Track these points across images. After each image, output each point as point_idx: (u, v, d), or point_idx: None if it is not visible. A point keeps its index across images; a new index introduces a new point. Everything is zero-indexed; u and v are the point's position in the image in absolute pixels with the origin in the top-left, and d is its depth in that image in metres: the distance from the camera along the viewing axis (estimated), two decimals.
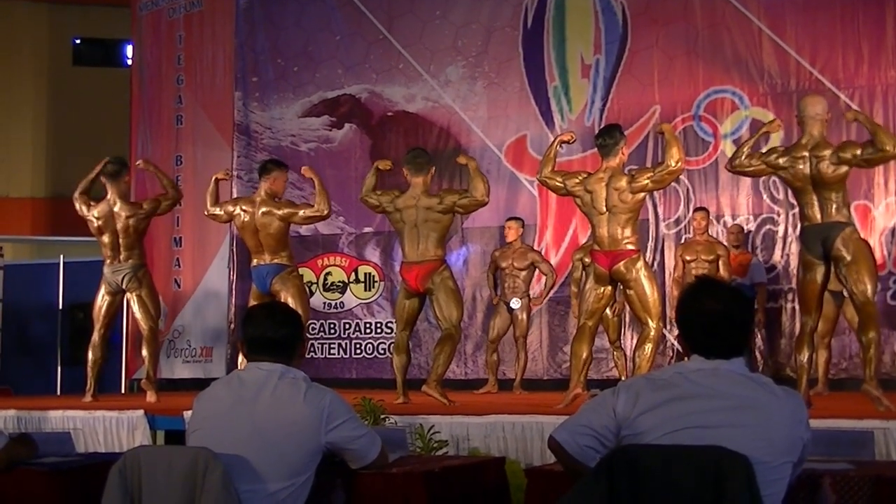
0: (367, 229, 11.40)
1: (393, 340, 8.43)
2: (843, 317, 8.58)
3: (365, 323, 11.37)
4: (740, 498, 2.49)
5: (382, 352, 10.99)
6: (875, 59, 9.72)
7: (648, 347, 6.93)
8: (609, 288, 7.12)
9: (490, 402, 7.96)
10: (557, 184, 7.20)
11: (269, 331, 3.38)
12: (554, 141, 7.47)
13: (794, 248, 9.38)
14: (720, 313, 2.81)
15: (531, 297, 9.80)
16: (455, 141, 11.12)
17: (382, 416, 5.90)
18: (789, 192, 7.25)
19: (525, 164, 10.72)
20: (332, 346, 11.41)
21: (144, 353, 8.78)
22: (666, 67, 10.42)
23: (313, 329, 11.27)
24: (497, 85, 11.07)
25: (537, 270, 9.82)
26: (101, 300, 8.71)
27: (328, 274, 11.56)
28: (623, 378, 8.76)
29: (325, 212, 8.23)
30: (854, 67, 9.77)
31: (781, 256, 9.89)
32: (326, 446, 3.32)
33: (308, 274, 11.30)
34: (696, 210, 9.72)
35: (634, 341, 7.96)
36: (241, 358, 6.37)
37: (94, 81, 15.25)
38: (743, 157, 6.76)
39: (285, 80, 11.90)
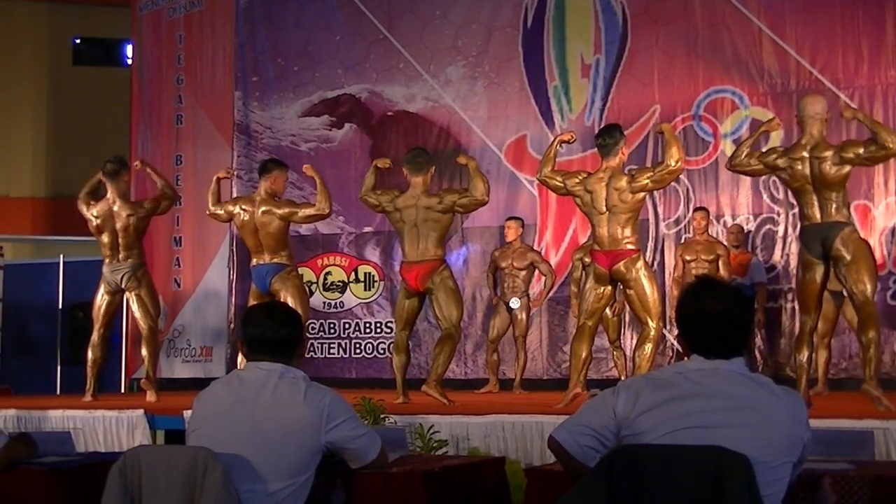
0: (367, 229, 11.40)
1: (393, 340, 8.43)
2: (843, 317, 8.58)
3: (365, 322, 11.37)
4: (740, 498, 2.49)
5: (382, 351, 10.99)
6: (875, 59, 9.72)
7: (648, 347, 6.94)
8: (609, 288, 7.12)
9: (490, 402, 7.96)
10: (557, 183, 7.21)
11: (269, 330, 3.38)
12: (554, 140, 7.47)
13: (794, 248, 9.38)
14: (720, 313, 2.81)
15: (530, 296, 9.81)
16: (455, 141, 11.13)
17: (382, 416, 5.90)
18: (789, 191, 7.25)
19: (525, 164, 10.72)
20: (331, 345, 11.41)
21: (144, 352, 8.78)
22: (666, 67, 10.42)
23: (313, 329, 11.27)
24: (497, 85, 11.07)
25: (537, 270, 9.82)
26: (101, 300, 8.71)
27: (328, 273, 11.56)
28: (623, 378, 8.76)
29: (327, 211, 8.23)
30: (854, 67, 9.77)
31: (781, 256, 9.89)
32: (326, 446, 3.32)
33: (308, 273, 11.30)
34: (696, 210, 9.72)
35: (634, 341, 7.97)
36: (240, 357, 6.37)
37: (94, 81, 15.25)
38: (742, 157, 6.77)
39: (285, 80, 11.91)
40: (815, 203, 6.43)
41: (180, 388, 10.67)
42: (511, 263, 9.71)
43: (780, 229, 9.91)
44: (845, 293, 6.93)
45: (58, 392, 11.68)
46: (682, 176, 9.43)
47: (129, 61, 13.68)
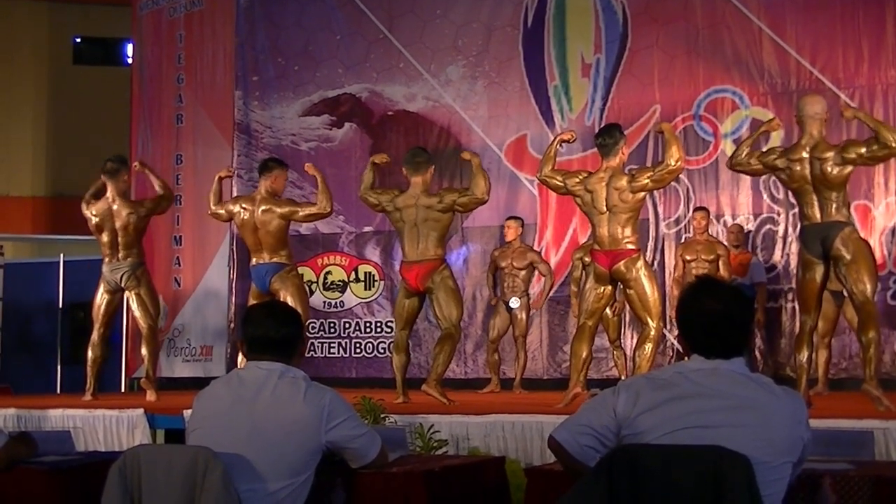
0: (367, 228, 11.40)
1: (393, 340, 8.43)
2: (843, 317, 8.58)
3: (365, 322, 11.37)
4: (740, 498, 2.49)
5: (382, 351, 10.99)
6: (875, 59, 9.72)
7: (648, 347, 6.94)
8: (609, 287, 7.12)
9: (490, 402, 7.96)
10: (557, 183, 7.21)
11: (269, 330, 3.37)
12: (554, 140, 7.47)
13: (795, 248, 9.38)
14: (720, 313, 2.81)
15: (530, 296, 9.81)
16: (455, 140, 11.13)
17: (382, 416, 5.90)
18: (789, 191, 7.25)
19: (525, 164, 10.72)
20: (332, 345, 11.41)
21: (144, 351, 8.79)
22: (666, 67, 10.42)
23: (313, 328, 11.27)
24: (497, 84, 11.07)
25: (536, 270, 9.82)
26: (100, 299, 8.71)
27: (328, 273, 11.56)
28: (623, 377, 8.76)
29: (328, 210, 8.23)
30: (854, 67, 9.77)
31: (781, 256, 9.89)
32: (326, 445, 3.32)
33: (308, 273, 11.30)
34: (696, 210, 9.72)
35: (634, 341, 7.97)
36: (240, 357, 6.37)
37: (95, 80, 15.26)
38: (742, 156, 6.77)
39: (286, 79, 11.91)
40: (815, 203, 6.42)
41: (180, 388, 10.66)
42: (511, 263, 9.71)
43: (781, 229, 9.91)
44: (845, 293, 6.93)
45: (58, 391, 11.68)
46: (682, 176, 9.43)
47: (130, 61, 13.68)
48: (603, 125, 9.23)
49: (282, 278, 8.13)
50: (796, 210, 7.78)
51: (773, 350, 9.71)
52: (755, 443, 2.63)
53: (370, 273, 11.41)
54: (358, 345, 11.33)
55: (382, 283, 11.33)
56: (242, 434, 3.21)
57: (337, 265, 11.54)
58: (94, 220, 8.64)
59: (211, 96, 12.21)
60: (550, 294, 9.95)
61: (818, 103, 6.61)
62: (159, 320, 9.21)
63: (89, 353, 8.67)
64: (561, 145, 7.45)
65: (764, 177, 9.21)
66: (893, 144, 6.25)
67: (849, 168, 6.37)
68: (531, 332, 10.19)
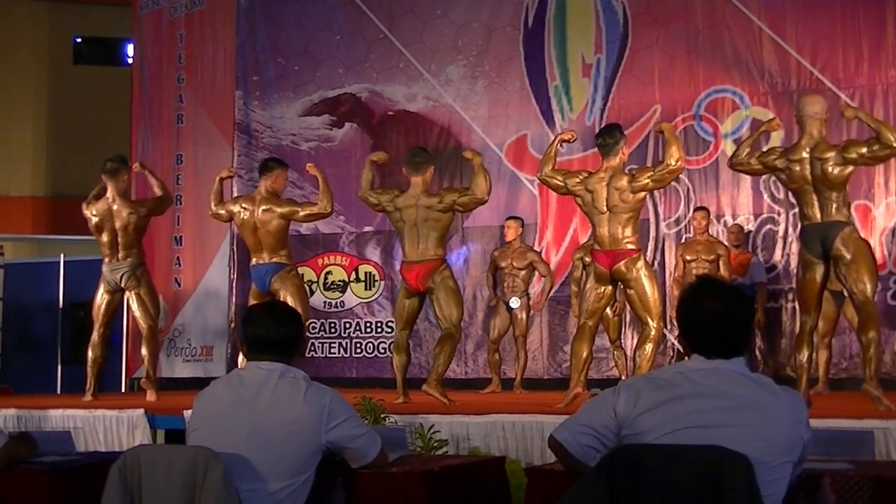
0: (367, 228, 11.40)
1: (393, 340, 8.43)
2: (844, 316, 8.58)
3: (365, 322, 11.37)
4: (740, 498, 2.49)
5: (383, 351, 10.99)
6: (875, 59, 9.72)
7: (649, 347, 6.94)
8: (609, 287, 7.12)
9: (490, 402, 7.96)
10: (558, 183, 7.21)
11: (269, 330, 3.37)
12: (554, 140, 7.47)
13: (795, 248, 9.38)
14: (720, 313, 2.81)
15: (530, 296, 9.81)
16: (456, 140, 11.13)
17: (382, 416, 5.90)
18: (790, 191, 7.24)
19: (525, 164, 10.72)
20: (332, 345, 11.41)
21: (144, 351, 8.78)
22: (666, 67, 10.42)
23: (314, 328, 11.28)
24: (498, 84, 11.07)
25: (536, 271, 9.83)
26: (100, 299, 8.70)
27: (328, 273, 11.56)
28: (623, 377, 8.76)
29: (329, 210, 8.24)
30: (854, 67, 9.77)
31: (782, 256, 9.89)
32: (327, 445, 3.32)
33: (308, 273, 11.31)
34: (696, 210, 9.72)
35: (635, 341, 7.96)
36: (241, 357, 6.37)
37: (95, 80, 15.25)
38: (743, 156, 6.78)
39: (286, 79, 11.91)
40: (815, 203, 6.42)
41: (180, 388, 10.66)
42: (511, 263, 9.71)
43: (781, 229, 9.91)
44: (845, 293, 6.93)
45: (58, 391, 11.68)
46: (682, 175, 9.43)
47: (130, 61, 13.67)
48: (603, 125, 9.23)
49: (282, 278, 8.13)
50: (796, 210, 7.78)
51: (773, 350, 9.71)
52: (755, 443, 2.63)
53: (370, 273, 11.41)
54: (358, 345, 11.34)
55: (383, 283, 11.33)
56: (243, 434, 3.21)
57: (337, 265, 11.54)
58: (94, 219, 8.63)
59: (211, 96, 12.21)
60: (550, 294, 9.95)
61: (818, 103, 6.61)
62: (159, 320, 9.21)
63: (89, 354, 8.66)
64: (561, 145, 7.46)
65: (764, 177, 9.21)
66: (894, 144, 6.25)
67: (850, 168, 6.37)
68: (531, 332, 10.19)
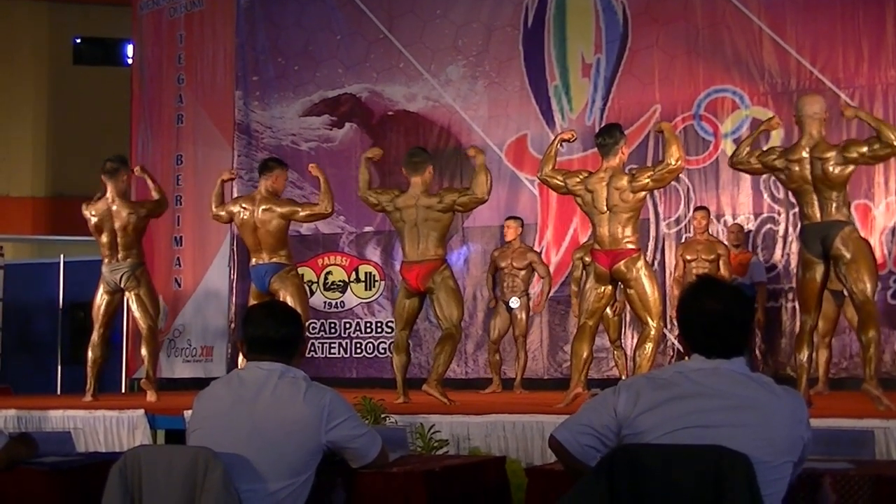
0: (367, 228, 11.41)
1: (393, 340, 8.43)
2: (844, 316, 8.58)
3: (365, 322, 11.37)
4: (740, 497, 2.49)
5: (383, 351, 10.99)
6: (875, 59, 9.72)
7: (649, 347, 6.94)
8: (609, 287, 7.12)
9: (490, 402, 7.96)
10: (558, 182, 7.20)
11: (269, 330, 3.37)
12: (554, 139, 7.47)
13: (795, 248, 9.37)
14: (721, 313, 2.81)
15: (530, 296, 9.81)
16: (456, 140, 11.13)
17: (383, 416, 5.90)
18: (789, 191, 7.24)
19: (525, 164, 10.72)
20: (332, 345, 11.41)
21: (144, 352, 8.78)
22: (666, 67, 10.42)
23: (314, 328, 11.28)
24: (497, 84, 11.07)
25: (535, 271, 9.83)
26: (100, 299, 8.70)
27: (329, 273, 11.56)
28: (623, 377, 8.76)
29: (329, 210, 8.25)
30: (854, 66, 9.77)
31: (782, 256, 9.89)
32: (327, 445, 3.32)
33: (308, 273, 11.31)
34: (696, 209, 9.72)
35: (635, 341, 7.96)
36: (241, 357, 6.37)
37: (95, 81, 15.24)
38: (743, 155, 6.77)
39: (286, 80, 11.91)
40: (815, 202, 6.42)
41: (181, 388, 10.67)
42: (510, 263, 9.72)
43: (781, 229, 9.91)
44: (845, 292, 6.93)
45: (58, 392, 11.68)
46: (682, 175, 9.43)
47: (130, 61, 13.67)
48: (603, 125, 9.23)
49: (281, 278, 8.13)
50: (796, 210, 7.79)
51: (773, 350, 9.71)
52: (755, 442, 2.63)
53: (370, 273, 11.41)
54: (358, 345, 11.34)
55: (383, 283, 11.33)
56: (243, 434, 3.21)
57: (337, 265, 11.54)
58: (94, 219, 8.63)
59: (211, 96, 12.22)
60: (550, 294, 9.96)
61: (817, 103, 6.61)
62: (159, 321, 9.20)
63: (89, 354, 8.66)
64: (561, 145, 7.46)
65: (764, 176, 9.22)
66: (895, 143, 6.25)
67: (850, 167, 6.36)
68: (531, 332, 10.19)
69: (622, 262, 6.95)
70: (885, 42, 9.70)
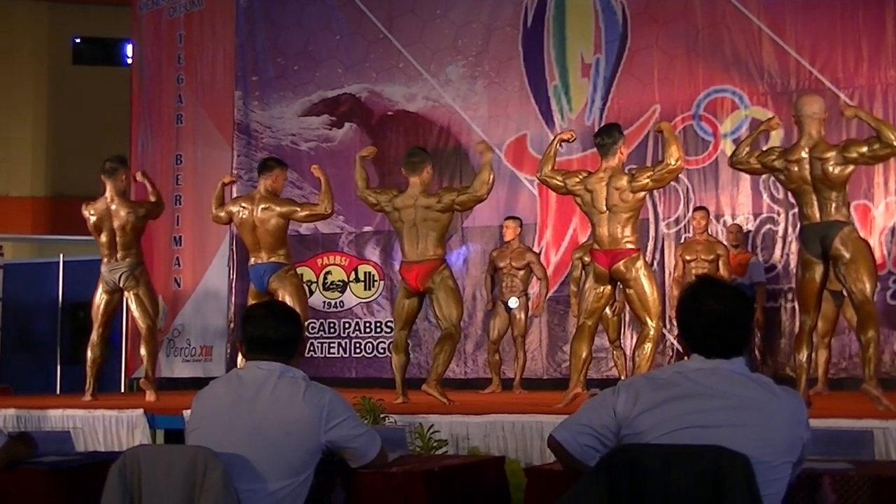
0: (366, 228, 11.40)
1: (392, 340, 8.43)
2: (843, 316, 8.58)
3: (365, 322, 11.37)
4: (740, 498, 2.49)
5: (382, 351, 10.99)
6: (875, 59, 9.72)
7: (648, 347, 6.94)
8: (609, 287, 7.12)
9: (490, 402, 7.96)
10: (557, 183, 7.21)
11: (269, 330, 3.37)
12: (554, 139, 7.48)
13: (794, 248, 9.37)
14: (720, 313, 2.81)
15: (529, 296, 9.80)
16: (455, 140, 11.13)
17: (382, 416, 5.90)
18: (788, 191, 7.25)
19: (525, 164, 10.72)
20: (331, 345, 11.41)
21: (143, 351, 8.77)
22: (666, 67, 10.42)
23: (313, 328, 11.27)
24: (497, 84, 11.07)
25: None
26: (99, 299, 8.70)
27: (328, 273, 11.56)
28: (623, 377, 8.76)
29: (329, 211, 8.27)
30: (854, 67, 9.77)
31: (781, 256, 9.89)
32: (326, 445, 3.32)
33: (308, 273, 11.31)
34: (695, 209, 9.72)
35: (634, 341, 7.97)
36: (240, 357, 6.36)
37: (94, 80, 15.25)
38: (743, 155, 6.77)
39: (285, 80, 11.91)
40: (815, 203, 6.42)
41: (180, 388, 10.66)
42: (509, 263, 9.71)
43: (780, 229, 9.91)
44: (845, 292, 6.93)
45: (58, 391, 11.68)
46: (681, 175, 9.43)
47: (130, 61, 13.67)
48: (602, 125, 9.22)
49: (280, 278, 8.13)
50: (796, 210, 7.79)
51: (772, 350, 9.71)
52: (755, 442, 2.63)
53: (370, 273, 11.41)
54: (358, 345, 11.33)
55: (382, 283, 11.33)
56: (242, 434, 3.21)
57: (337, 265, 11.54)
58: (92, 219, 8.62)
59: (211, 96, 12.21)
60: (549, 295, 9.96)
61: (816, 103, 6.61)
62: (158, 320, 9.20)
63: (89, 354, 8.66)
64: (560, 145, 7.46)
65: (763, 177, 9.22)
66: (895, 143, 6.25)
67: (850, 168, 6.36)
68: (531, 332, 10.19)
69: (621, 262, 6.95)
70: (884, 42, 9.70)
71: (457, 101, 11.16)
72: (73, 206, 8.79)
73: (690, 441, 2.63)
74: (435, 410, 6.63)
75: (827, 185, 6.36)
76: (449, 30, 11.29)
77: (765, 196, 9.94)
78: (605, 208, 6.97)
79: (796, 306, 8.24)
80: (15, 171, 15.50)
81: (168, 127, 12.35)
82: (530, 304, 9.80)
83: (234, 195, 10.63)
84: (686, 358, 2.88)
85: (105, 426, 7.24)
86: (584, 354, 7.10)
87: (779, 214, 9.91)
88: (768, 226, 9.96)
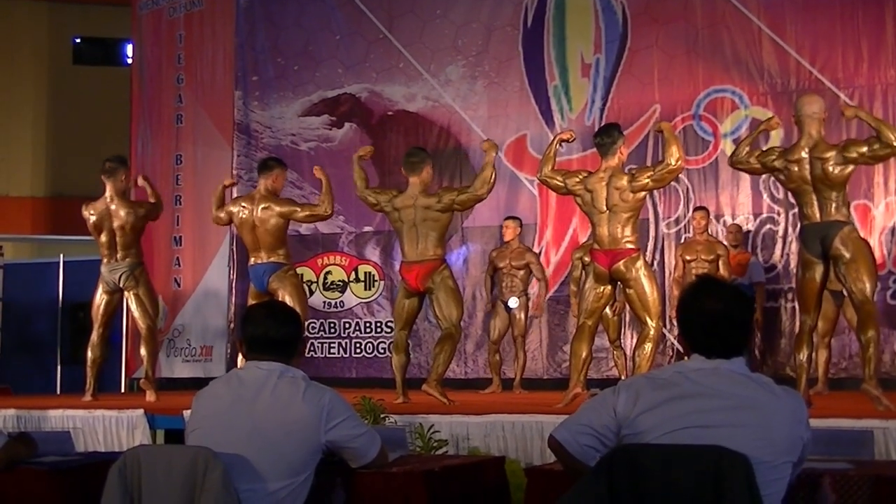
0: (367, 228, 11.40)
1: (393, 340, 8.43)
2: (843, 316, 8.58)
3: (365, 322, 11.37)
4: (740, 498, 2.49)
5: (382, 351, 10.98)
6: (875, 59, 9.72)
7: (648, 347, 6.94)
8: (609, 287, 7.12)
9: (490, 402, 7.97)
10: (558, 183, 7.21)
11: (270, 330, 3.37)
12: (553, 139, 7.48)
13: (794, 248, 9.38)
14: (721, 313, 2.81)
15: (529, 296, 9.80)
16: (455, 140, 11.13)
17: (382, 416, 5.90)
18: (788, 191, 7.25)
19: (525, 164, 10.72)
20: (332, 345, 11.41)
21: (143, 352, 8.77)
22: (666, 67, 10.42)
23: (313, 328, 11.27)
24: (497, 84, 11.07)
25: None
26: (99, 299, 8.70)
27: (328, 273, 11.56)
28: (623, 377, 8.76)
29: (329, 212, 8.29)
30: (854, 66, 9.77)
31: (781, 256, 9.89)
32: (326, 445, 3.32)
33: (308, 273, 11.31)
34: (695, 209, 9.72)
35: (634, 341, 7.97)
36: (240, 357, 6.36)
37: (94, 80, 15.24)
38: (743, 154, 6.77)
39: (285, 80, 11.91)
40: (815, 202, 6.42)
41: (180, 388, 10.66)
42: (509, 263, 9.71)
43: (780, 229, 9.91)
44: (845, 292, 6.93)
45: (58, 392, 11.68)
46: (682, 175, 9.43)
47: (130, 61, 13.66)
48: (602, 125, 9.22)
49: (280, 278, 8.13)
50: (796, 210, 7.79)
51: (772, 350, 9.71)
52: (755, 442, 2.63)
53: (370, 273, 11.41)
54: (358, 345, 11.33)
55: (382, 283, 11.32)
56: (242, 434, 3.21)
57: (337, 265, 11.54)
58: (92, 219, 8.62)
59: (211, 96, 12.21)
60: (549, 295, 9.96)
61: (816, 103, 6.61)
62: (159, 321, 9.20)
63: (89, 354, 8.66)
64: (560, 145, 7.46)
65: (763, 177, 9.22)
66: (895, 143, 6.25)
67: (850, 167, 6.36)
68: (531, 332, 10.19)
69: (621, 262, 6.95)
70: (884, 42, 9.70)
71: (457, 101, 11.16)
72: (73, 206, 8.79)
73: (691, 441, 2.63)
74: (435, 410, 6.63)
75: (827, 184, 6.36)
76: (449, 30, 11.29)
77: (765, 196, 9.94)
78: (605, 208, 6.97)
79: (796, 306, 8.24)
80: (15, 171, 15.49)
81: (168, 127, 12.35)
82: (530, 304, 9.80)
83: (234, 192, 10.69)
84: (686, 358, 2.88)
85: (105, 426, 7.24)
86: (584, 354, 7.10)
87: (779, 214, 9.91)
88: (768, 226, 9.96)
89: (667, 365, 8.03)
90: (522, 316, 9.72)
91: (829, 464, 3.23)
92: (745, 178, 9.75)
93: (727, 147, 9.80)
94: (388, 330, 10.85)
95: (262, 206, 8.16)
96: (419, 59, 11.31)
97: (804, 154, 6.42)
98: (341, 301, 11.48)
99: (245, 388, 3.30)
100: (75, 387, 9.86)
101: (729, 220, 9.95)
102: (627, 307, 7.92)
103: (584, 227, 9.72)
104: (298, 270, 9.12)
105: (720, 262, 9.20)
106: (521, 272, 9.72)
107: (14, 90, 15.42)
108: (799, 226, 6.90)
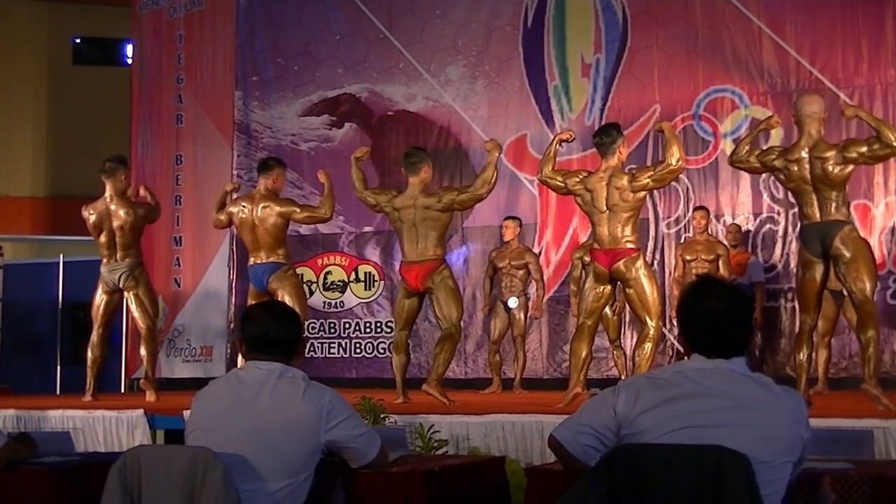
0: (367, 228, 11.40)
1: (393, 340, 8.43)
2: (843, 316, 8.58)
3: (365, 322, 11.37)
4: (740, 497, 2.49)
5: (382, 351, 10.99)
6: (875, 58, 9.72)
7: (648, 346, 6.94)
8: (609, 287, 7.12)
9: (490, 402, 7.97)
10: (558, 183, 7.21)
11: (270, 329, 3.37)
12: (553, 139, 7.48)
13: (794, 248, 9.38)
14: (721, 312, 2.81)
15: (528, 296, 9.80)
16: (455, 140, 11.13)
17: (382, 416, 5.90)
18: (788, 191, 7.25)
19: (525, 164, 10.72)
20: (332, 345, 11.41)
21: (143, 352, 8.77)
22: (666, 67, 10.42)
23: (313, 328, 11.27)
24: (497, 84, 11.07)
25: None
26: (99, 299, 8.70)
27: (328, 273, 11.56)
28: (623, 377, 8.76)
29: (328, 215, 8.30)
30: (854, 66, 9.77)
31: (781, 256, 9.89)
32: (326, 445, 3.32)
33: (308, 273, 11.31)
34: (696, 209, 9.72)
35: (634, 340, 7.97)
36: (240, 357, 6.36)
37: (94, 81, 15.24)
38: (742, 153, 6.77)
39: (285, 80, 11.91)
40: (815, 202, 6.42)
41: (180, 388, 10.66)
42: (509, 263, 9.71)
43: (780, 229, 9.91)
44: (845, 292, 6.93)
45: (58, 392, 11.69)
46: (682, 175, 9.42)
47: (130, 61, 13.67)
48: (602, 125, 9.23)
49: (279, 278, 8.13)
50: (796, 210, 7.79)
51: (772, 350, 9.71)
52: (755, 442, 2.63)
53: (370, 273, 11.41)
54: (358, 345, 11.33)
55: (382, 283, 11.32)
56: (242, 434, 3.21)
57: (337, 265, 11.54)
58: (92, 219, 8.62)
59: (211, 96, 12.21)
60: (549, 295, 9.96)
61: (815, 103, 6.61)
62: (158, 321, 9.20)
63: (89, 354, 8.66)
64: (560, 145, 7.46)
65: (763, 176, 9.23)
66: (894, 143, 6.25)
67: (850, 167, 6.37)
68: (531, 331, 10.19)
69: (621, 262, 6.95)
70: (884, 42, 9.70)
71: (457, 101, 11.16)
72: (73, 206, 8.80)
73: (691, 441, 2.63)
74: (435, 410, 6.63)
75: (827, 184, 6.36)
76: (449, 30, 11.29)
77: (765, 196, 9.94)
78: (605, 208, 6.98)
79: (796, 306, 8.24)
80: (15, 171, 15.49)
81: (168, 127, 12.35)
82: (530, 304, 9.80)
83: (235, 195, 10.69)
84: (686, 358, 2.88)
85: (105, 426, 7.24)
86: (584, 354, 7.10)
87: (779, 214, 9.91)
88: (768, 226, 9.96)
89: (667, 365, 8.03)
90: (522, 316, 9.72)
91: (829, 463, 3.23)
92: (745, 178, 9.75)
93: (727, 147, 9.79)
94: (388, 330, 10.85)
95: (262, 205, 8.16)
96: (419, 59, 11.31)
97: (804, 154, 6.42)
98: (341, 301, 11.48)
99: (245, 388, 3.30)
100: (75, 387, 9.86)
101: (729, 220, 9.95)
102: (627, 307, 7.92)
103: (584, 227, 9.72)
104: (298, 270, 9.13)
105: (720, 262, 9.20)
106: (521, 272, 9.72)
107: (14, 90, 15.42)
108: (799, 225, 6.90)
